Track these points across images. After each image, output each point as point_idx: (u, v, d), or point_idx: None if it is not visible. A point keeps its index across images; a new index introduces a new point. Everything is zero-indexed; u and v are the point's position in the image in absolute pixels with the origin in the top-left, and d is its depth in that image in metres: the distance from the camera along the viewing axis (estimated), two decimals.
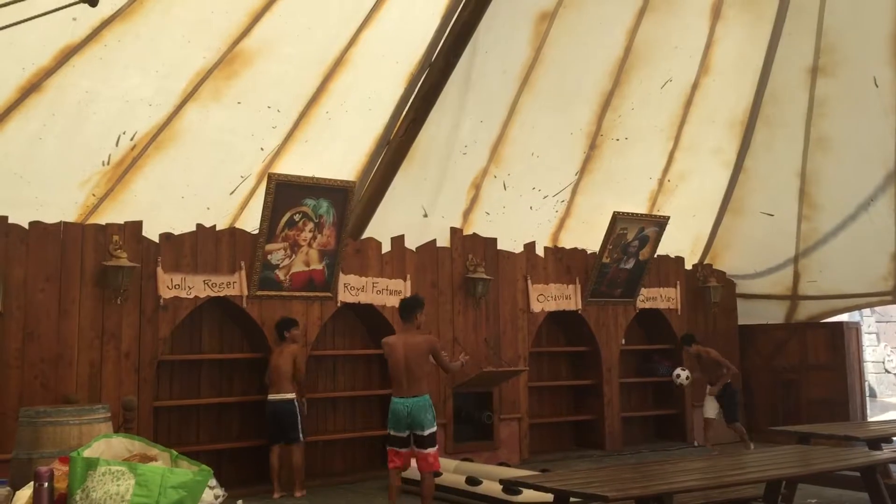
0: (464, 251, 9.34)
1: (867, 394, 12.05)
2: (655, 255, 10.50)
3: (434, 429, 6.06)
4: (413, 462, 6.18)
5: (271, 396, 7.48)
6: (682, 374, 9.44)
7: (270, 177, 7.68)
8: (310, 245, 8.15)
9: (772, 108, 10.14)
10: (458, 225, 9.46)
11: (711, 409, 9.43)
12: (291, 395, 7.45)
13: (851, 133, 9.73)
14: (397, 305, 7.00)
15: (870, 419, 11.24)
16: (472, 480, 6.98)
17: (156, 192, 7.65)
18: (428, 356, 6.13)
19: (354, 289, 8.57)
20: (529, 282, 9.82)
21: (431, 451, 6.01)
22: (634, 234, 10.07)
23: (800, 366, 10.92)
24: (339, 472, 8.49)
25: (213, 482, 4.65)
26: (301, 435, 7.43)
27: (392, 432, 6.09)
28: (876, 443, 6.65)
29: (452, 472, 7.63)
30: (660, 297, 10.84)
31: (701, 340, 9.98)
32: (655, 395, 11.25)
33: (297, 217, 7.97)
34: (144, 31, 6.67)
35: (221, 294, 7.86)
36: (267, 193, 7.68)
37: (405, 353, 6.08)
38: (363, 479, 8.33)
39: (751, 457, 5.70)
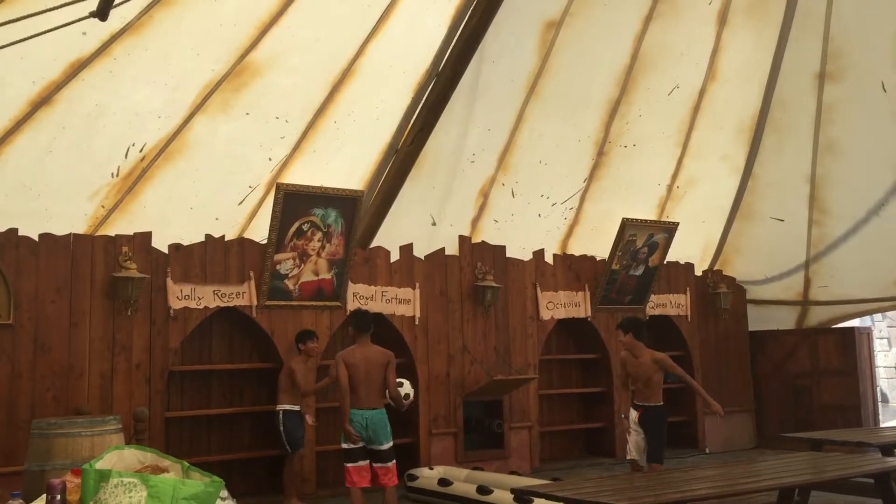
0: (472, 259, 9.34)
1: (879, 399, 11.98)
2: (665, 262, 10.47)
3: (391, 443, 5.99)
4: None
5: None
6: (404, 386, 6.95)
7: (279, 187, 7.70)
8: (318, 254, 8.16)
9: (780, 114, 10.11)
10: (466, 233, 9.46)
11: (640, 446, 6.59)
12: (278, 407, 7.33)
13: (860, 138, 9.69)
14: (350, 317, 6.78)
15: (882, 425, 11.17)
16: (483, 489, 6.97)
17: (165, 204, 7.68)
18: (385, 369, 6.02)
19: (364, 298, 8.58)
20: (539, 289, 9.80)
21: (389, 464, 5.96)
22: (643, 240, 10.05)
23: (811, 371, 10.87)
24: None
25: (224, 493, 4.65)
26: (287, 447, 7.27)
27: (349, 445, 5.92)
28: (889, 449, 6.61)
29: (463, 480, 7.62)
30: (670, 304, 10.80)
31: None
32: (666, 402, 11.15)
33: (305, 227, 7.99)
34: (153, 44, 6.71)
35: (231, 304, 7.88)
36: (275, 203, 7.70)
37: (366, 366, 5.97)
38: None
39: (764, 464, 5.67)
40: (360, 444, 5.90)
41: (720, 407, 6.70)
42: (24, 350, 6.94)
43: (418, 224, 9.06)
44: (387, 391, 6.15)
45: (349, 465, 5.93)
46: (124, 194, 7.48)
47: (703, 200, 10.68)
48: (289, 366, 7.47)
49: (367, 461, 5.93)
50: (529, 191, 9.55)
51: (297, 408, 7.34)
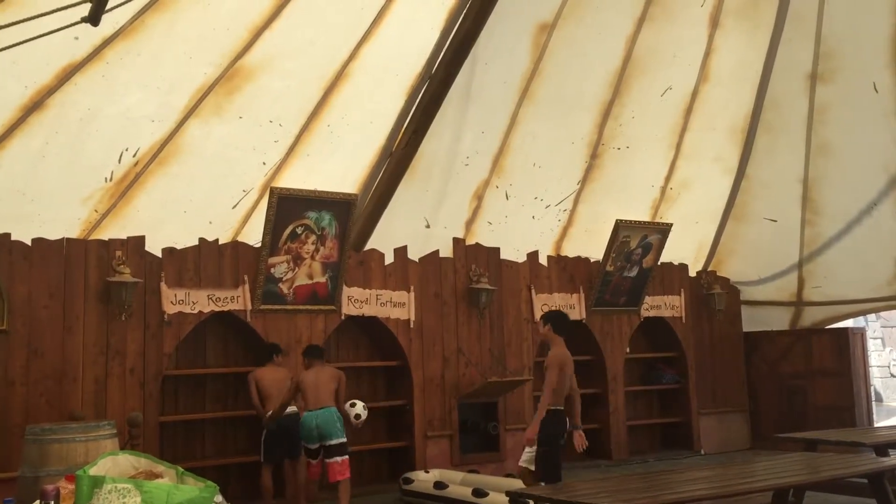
0: (467, 261, 9.34)
1: (873, 399, 12.01)
2: (659, 263, 10.49)
3: (343, 440, 6.59)
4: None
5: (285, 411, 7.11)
6: (357, 406, 6.97)
7: (272, 190, 7.70)
8: (313, 258, 8.16)
9: (772, 115, 10.15)
10: (460, 235, 9.46)
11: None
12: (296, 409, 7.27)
13: (853, 138, 9.73)
14: (303, 349, 7.48)
15: (876, 424, 11.20)
16: (479, 492, 6.96)
17: (158, 208, 7.67)
18: (336, 383, 6.84)
19: (358, 301, 8.57)
20: (533, 291, 9.81)
21: (338, 459, 6.54)
22: (637, 241, 10.07)
23: (805, 372, 10.89)
24: None
25: (219, 498, 4.63)
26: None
27: (305, 444, 6.74)
28: (883, 449, 6.62)
29: (459, 483, 7.61)
30: (664, 305, 10.82)
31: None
32: (661, 403, 11.22)
33: (299, 230, 7.98)
34: (146, 48, 6.70)
35: (225, 308, 7.87)
36: (269, 207, 7.70)
37: (317, 378, 6.79)
38: (371, 492, 8.31)
39: (758, 465, 5.68)
40: (314, 445, 6.64)
41: (582, 439, 6.13)
42: (17, 355, 6.92)
43: (412, 227, 9.06)
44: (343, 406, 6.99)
45: (309, 461, 6.80)
46: (118, 199, 7.46)
47: (697, 201, 10.70)
48: (284, 373, 7.52)
49: (314, 458, 6.70)
50: (523, 193, 9.56)
51: None
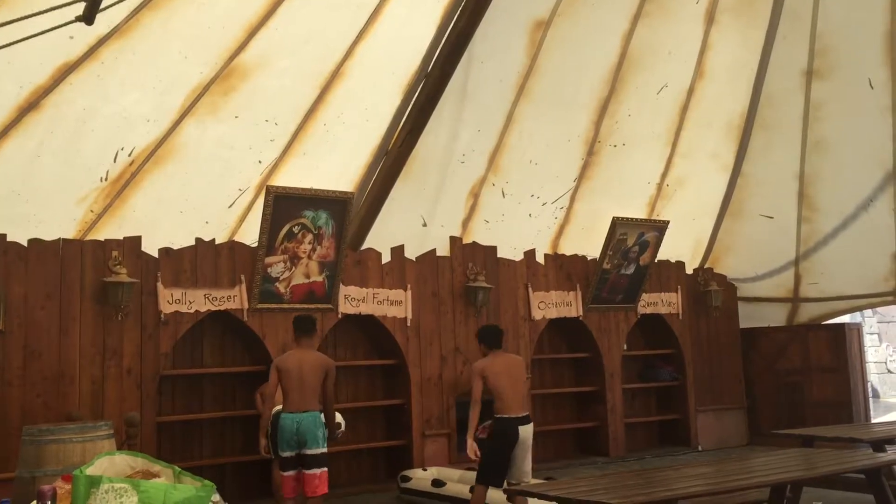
0: (464, 260, 9.34)
1: (870, 395, 12.03)
2: (656, 261, 10.50)
3: (323, 449, 5.72)
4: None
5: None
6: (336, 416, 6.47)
7: (269, 189, 7.69)
8: (309, 257, 8.15)
9: (768, 112, 10.15)
10: (457, 234, 9.46)
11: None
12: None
13: (848, 134, 9.74)
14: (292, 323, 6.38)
15: (873, 420, 11.22)
16: None
17: (154, 208, 7.66)
18: (323, 374, 5.85)
19: (355, 300, 8.57)
20: (530, 289, 9.81)
21: (318, 471, 5.67)
22: (634, 239, 10.07)
23: (802, 368, 10.91)
24: (343, 484, 8.46)
25: (216, 497, 4.63)
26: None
27: (280, 452, 5.75)
28: (880, 444, 6.64)
29: (456, 481, 7.61)
30: (661, 303, 10.83)
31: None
32: (659, 400, 11.24)
33: (296, 229, 7.97)
34: (141, 47, 6.69)
35: (222, 308, 7.86)
36: (265, 206, 7.69)
37: (301, 368, 5.80)
38: (367, 490, 8.32)
39: (756, 461, 5.69)
40: (291, 454, 5.72)
41: (473, 447, 6.17)
42: (14, 356, 6.91)
43: (409, 225, 9.06)
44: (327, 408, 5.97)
45: (282, 473, 5.82)
46: (113, 198, 7.45)
47: (693, 198, 10.71)
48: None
49: (292, 469, 5.75)
50: (520, 191, 9.56)
51: None
